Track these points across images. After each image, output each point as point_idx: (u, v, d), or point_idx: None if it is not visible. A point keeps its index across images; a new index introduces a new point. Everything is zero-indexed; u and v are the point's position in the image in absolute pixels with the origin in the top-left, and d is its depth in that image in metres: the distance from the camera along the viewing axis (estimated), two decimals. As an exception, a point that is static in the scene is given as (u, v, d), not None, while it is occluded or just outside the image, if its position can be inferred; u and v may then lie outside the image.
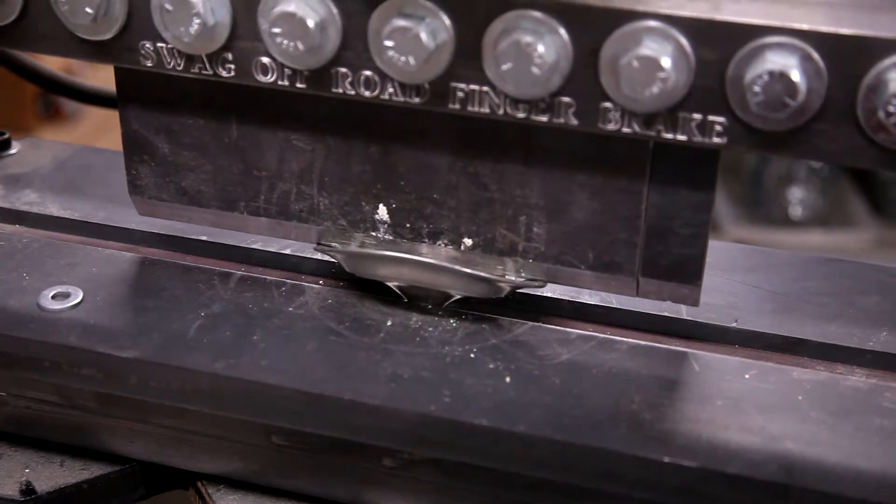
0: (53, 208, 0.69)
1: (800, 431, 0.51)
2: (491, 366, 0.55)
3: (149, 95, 0.60)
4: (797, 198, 2.22)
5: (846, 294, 0.63)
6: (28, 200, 0.70)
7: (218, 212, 0.62)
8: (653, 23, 0.48)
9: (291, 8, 0.51)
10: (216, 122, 0.59)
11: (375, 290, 0.61)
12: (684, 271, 0.56)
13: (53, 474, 0.58)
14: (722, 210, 2.16)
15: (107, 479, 0.59)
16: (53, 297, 0.59)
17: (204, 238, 0.65)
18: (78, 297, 0.59)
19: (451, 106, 0.53)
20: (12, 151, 0.77)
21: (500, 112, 0.52)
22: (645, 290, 0.57)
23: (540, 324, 0.59)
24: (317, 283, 0.62)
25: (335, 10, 0.52)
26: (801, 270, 0.65)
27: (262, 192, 0.60)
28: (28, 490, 0.57)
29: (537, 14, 0.49)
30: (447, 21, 0.50)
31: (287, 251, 0.64)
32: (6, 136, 0.78)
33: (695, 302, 0.57)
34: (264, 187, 0.60)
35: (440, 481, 0.53)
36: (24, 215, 0.69)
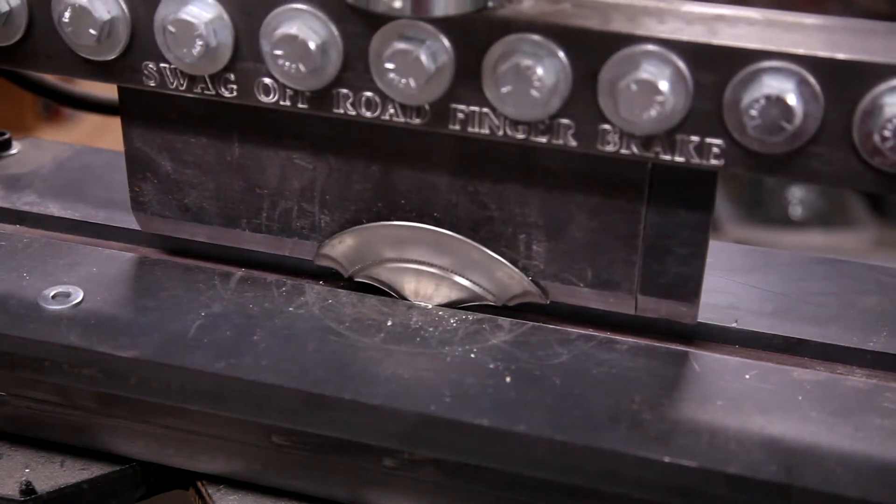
0: (53, 208, 0.69)
1: (800, 431, 0.51)
2: (491, 366, 0.55)
3: (151, 114, 0.60)
4: (797, 198, 2.22)
5: (846, 294, 0.63)
6: (28, 200, 0.70)
7: (220, 228, 0.62)
8: (651, 47, 0.49)
9: (293, 30, 0.52)
10: (218, 140, 0.60)
11: (375, 291, 0.61)
12: (682, 289, 0.56)
13: (53, 474, 0.58)
14: (722, 210, 2.16)
15: (107, 479, 0.59)
16: (53, 297, 0.59)
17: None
18: (78, 297, 0.59)
19: (451, 127, 0.53)
20: (12, 151, 0.77)
21: (500, 133, 0.52)
22: (643, 307, 0.58)
23: (540, 324, 0.59)
24: (317, 283, 0.62)
25: (336, 33, 0.52)
26: (801, 271, 0.65)
27: (264, 209, 0.61)
28: (28, 490, 0.57)
29: (536, 37, 0.50)
30: (447, 44, 0.51)
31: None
32: (6, 136, 0.78)
33: (693, 319, 0.57)
34: (266, 205, 0.61)
35: (440, 481, 0.53)
36: (25, 215, 0.69)
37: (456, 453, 0.52)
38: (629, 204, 0.55)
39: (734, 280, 0.63)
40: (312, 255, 0.62)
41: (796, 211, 2.22)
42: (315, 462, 0.55)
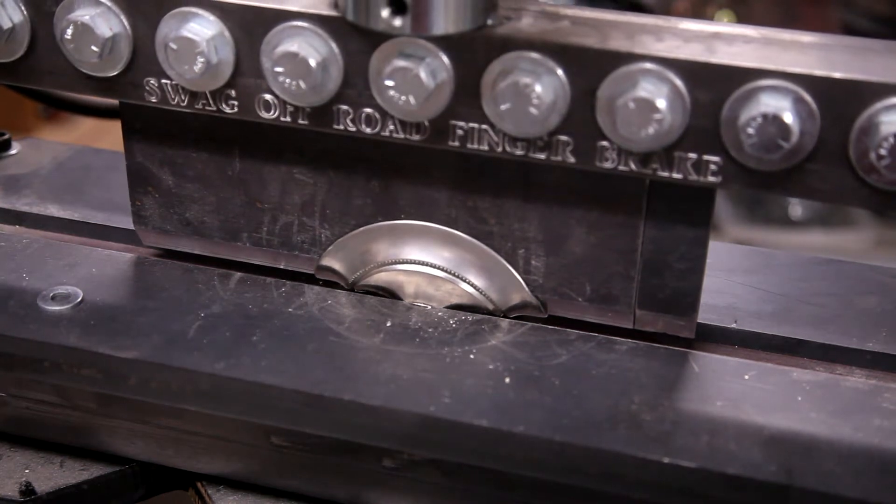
0: (53, 209, 0.69)
1: (800, 431, 0.51)
2: (490, 366, 0.55)
3: (153, 129, 0.60)
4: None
5: (846, 295, 0.63)
6: (28, 201, 0.70)
7: (221, 242, 0.62)
8: (649, 65, 0.49)
9: (294, 48, 0.52)
10: (219, 155, 0.60)
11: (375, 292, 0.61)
12: (680, 304, 0.56)
13: (53, 475, 0.58)
14: (722, 210, 2.16)
15: (106, 480, 0.59)
16: (53, 298, 0.59)
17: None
18: (78, 297, 0.59)
19: (450, 143, 0.53)
20: (12, 152, 0.77)
21: (499, 149, 0.53)
22: (642, 321, 0.58)
23: (540, 324, 0.59)
24: (316, 284, 0.62)
25: (337, 50, 0.52)
26: (801, 271, 0.65)
27: (265, 223, 0.61)
28: (28, 490, 0.57)
29: (535, 55, 0.50)
30: (447, 61, 0.51)
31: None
32: (6, 136, 0.78)
33: (690, 333, 0.58)
34: (267, 219, 0.61)
35: (440, 482, 0.53)
36: (24, 216, 0.69)
37: (455, 454, 0.52)
38: (627, 219, 0.55)
39: (734, 280, 0.63)
40: (312, 269, 0.62)
41: (796, 211, 2.22)
42: (315, 463, 0.55)
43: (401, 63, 0.51)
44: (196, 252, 0.64)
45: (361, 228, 0.60)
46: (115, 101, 0.60)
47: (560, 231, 0.57)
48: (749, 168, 0.50)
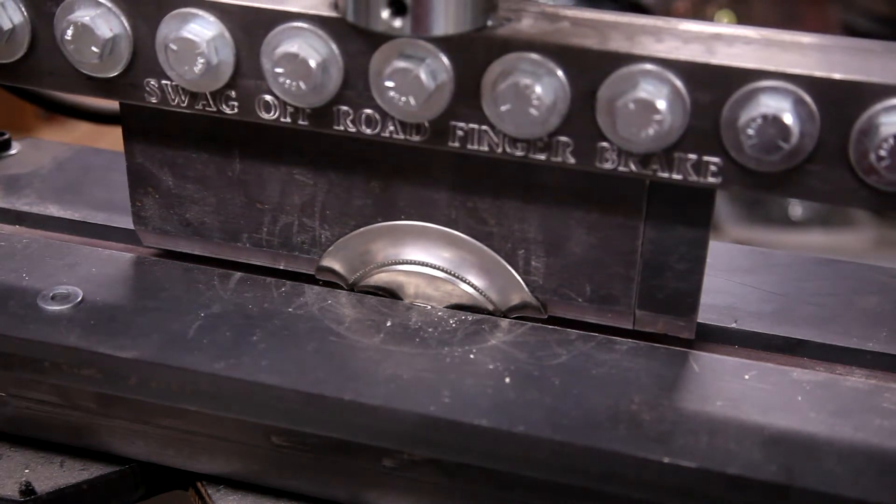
0: (53, 209, 0.69)
1: (800, 431, 0.51)
2: (490, 366, 0.55)
3: (153, 130, 0.60)
4: (797, 198, 2.21)
5: (846, 295, 0.63)
6: (28, 201, 0.70)
7: (221, 243, 0.62)
8: (649, 66, 0.49)
9: (294, 48, 0.52)
10: (219, 156, 0.60)
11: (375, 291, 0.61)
12: (680, 305, 0.56)
13: (53, 475, 0.58)
14: (722, 210, 2.16)
15: (106, 480, 0.59)
16: (53, 298, 0.59)
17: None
18: (78, 297, 0.59)
19: (450, 144, 0.53)
20: (12, 152, 0.77)
21: (499, 150, 0.53)
22: (641, 322, 0.58)
23: (539, 324, 0.59)
24: (317, 284, 0.62)
25: (337, 51, 0.52)
26: (801, 271, 0.65)
27: (265, 224, 0.61)
28: (28, 490, 0.57)
29: (535, 56, 0.50)
30: (447, 62, 0.51)
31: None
32: (6, 136, 0.78)
33: (690, 334, 0.58)
34: (267, 220, 0.61)
35: (440, 482, 0.53)
36: (24, 215, 0.69)
37: (455, 454, 0.52)
38: (627, 220, 0.55)
39: (734, 280, 0.63)
40: (312, 270, 0.62)
41: (796, 211, 2.22)
42: (315, 462, 0.55)
43: (401, 64, 0.51)
44: (196, 253, 0.64)
45: (361, 229, 0.60)
46: (112, 106, 0.60)
47: (560, 232, 0.57)
48: (749, 169, 0.50)
